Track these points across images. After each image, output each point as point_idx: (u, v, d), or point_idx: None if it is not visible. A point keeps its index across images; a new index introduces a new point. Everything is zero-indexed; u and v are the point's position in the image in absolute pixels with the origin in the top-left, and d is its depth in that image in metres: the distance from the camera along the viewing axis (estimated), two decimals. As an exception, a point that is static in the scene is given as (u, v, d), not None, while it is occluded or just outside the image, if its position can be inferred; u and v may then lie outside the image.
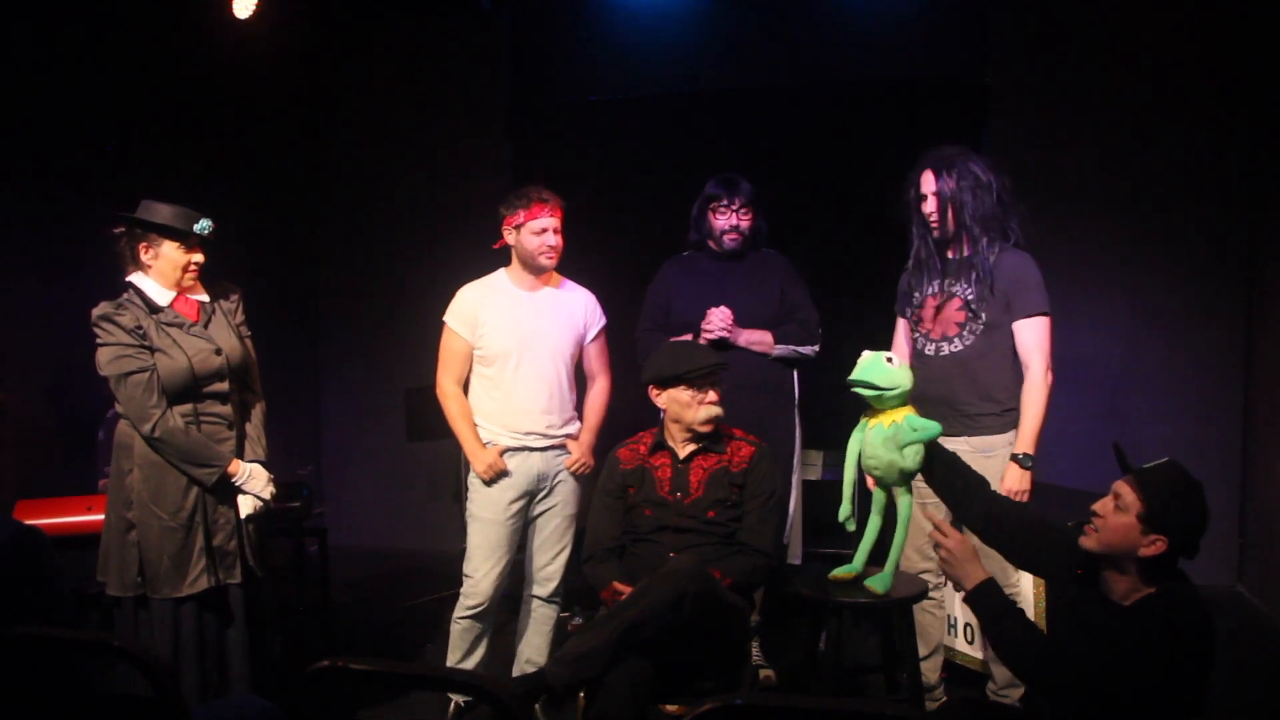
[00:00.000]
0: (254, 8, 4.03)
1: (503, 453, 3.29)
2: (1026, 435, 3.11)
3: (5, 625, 1.92)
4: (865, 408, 2.71)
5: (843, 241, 5.12)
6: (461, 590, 3.35)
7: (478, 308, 3.31)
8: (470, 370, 3.36)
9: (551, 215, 3.25)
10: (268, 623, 3.07)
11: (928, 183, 3.19)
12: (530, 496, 3.35)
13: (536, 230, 3.24)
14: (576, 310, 3.41)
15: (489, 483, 3.30)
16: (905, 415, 2.62)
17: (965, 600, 2.28)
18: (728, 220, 3.63)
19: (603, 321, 3.47)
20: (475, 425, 3.33)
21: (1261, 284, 4.57)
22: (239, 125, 5.08)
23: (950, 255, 3.24)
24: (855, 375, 2.63)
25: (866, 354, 2.67)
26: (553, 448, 3.35)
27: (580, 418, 3.46)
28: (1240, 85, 4.61)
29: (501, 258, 3.42)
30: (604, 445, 3.35)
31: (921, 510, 3.14)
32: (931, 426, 2.61)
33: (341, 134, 5.75)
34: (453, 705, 3.41)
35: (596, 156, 5.44)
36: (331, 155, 5.78)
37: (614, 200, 5.40)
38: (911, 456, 2.61)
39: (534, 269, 3.31)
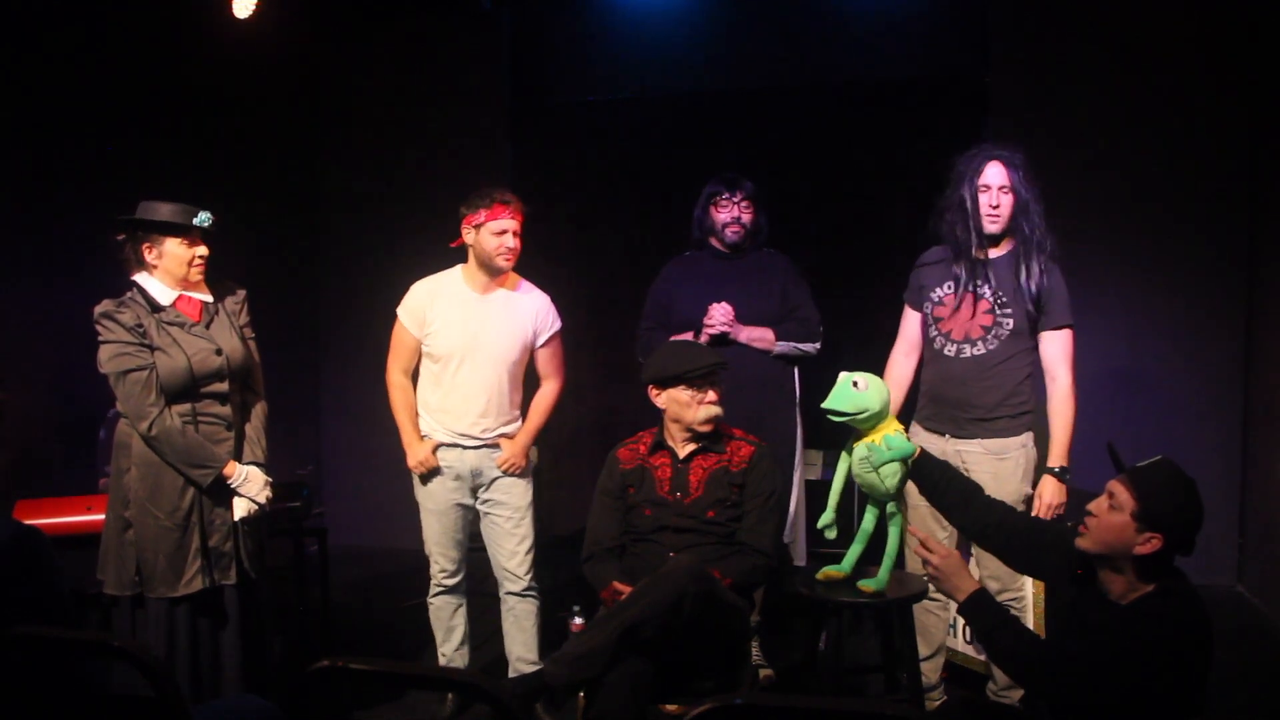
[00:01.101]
0: (254, 8, 4.02)
1: (436, 448, 3.35)
2: (1060, 447, 3.08)
3: (5, 625, 1.92)
4: None
5: (843, 241, 5.12)
6: (429, 571, 3.47)
7: (426, 305, 3.34)
8: (420, 360, 3.42)
9: (512, 218, 3.25)
10: (265, 624, 3.06)
11: (998, 175, 3.08)
12: (469, 490, 3.39)
13: (496, 231, 3.24)
14: (526, 316, 3.38)
15: (423, 477, 3.38)
16: (884, 435, 2.64)
17: (959, 612, 2.28)
18: (730, 213, 3.64)
19: (556, 326, 3.44)
20: (416, 417, 3.39)
21: (1261, 284, 4.57)
22: (239, 125, 5.07)
23: (980, 256, 3.16)
24: (826, 403, 2.66)
25: (841, 376, 2.68)
26: (486, 446, 3.36)
27: (524, 418, 3.45)
28: (1240, 85, 4.61)
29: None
30: (600, 446, 3.36)
31: (930, 513, 3.15)
32: (905, 446, 2.62)
33: (341, 134, 5.75)
34: (449, 700, 3.45)
35: (596, 156, 5.44)
36: (331, 155, 5.78)
37: (614, 200, 5.40)
38: (889, 477, 2.62)
39: (490, 270, 3.31)
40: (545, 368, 3.47)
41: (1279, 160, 4.39)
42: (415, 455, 3.37)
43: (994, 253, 3.17)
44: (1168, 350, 4.80)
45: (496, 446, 3.37)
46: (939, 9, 4.97)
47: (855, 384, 2.64)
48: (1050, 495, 3.06)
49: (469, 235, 3.29)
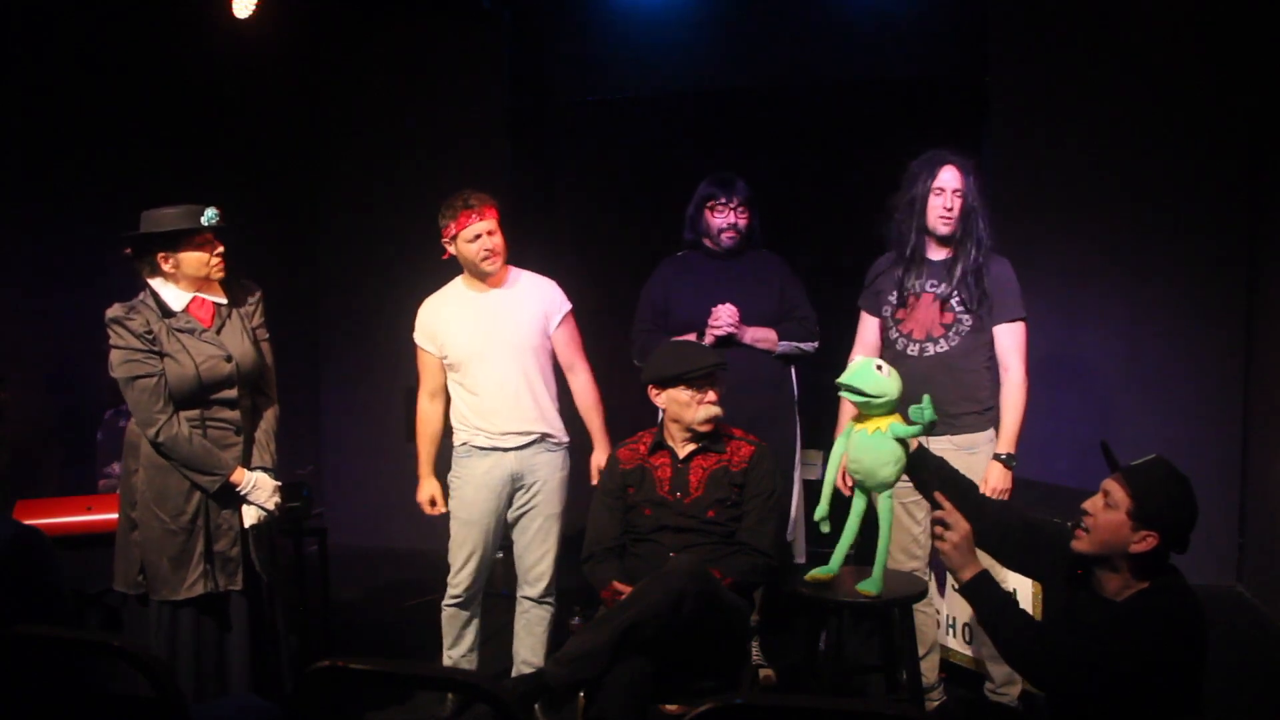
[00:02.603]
0: (254, 8, 4.02)
1: (436, 497, 3.43)
2: (1009, 435, 3.15)
3: (5, 625, 1.92)
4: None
5: (843, 241, 5.11)
6: (447, 579, 3.43)
7: (435, 319, 3.36)
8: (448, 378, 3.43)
9: (481, 219, 3.23)
10: (277, 627, 3.05)
11: (952, 179, 3.15)
12: (505, 497, 3.37)
13: (470, 238, 3.23)
14: (533, 302, 3.38)
15: (460, 486, 3.37)
16: (890, 423, 2.64)
17: (960, 591, 2.28)
18: (725, 219, 3.63)
19: (566, 307, 3.43)
20: (434, 447, 3.45)
21: (1261, 284, 4.57)
22: (239, 126, 5.07)
23: (934, 256, 3.24)
24: (844, 379, 2.65)
25: (858, 358, 2.69)
26: (528, 445, 3.34)
27: (558, 411, 3.44)
28: (1240, 85, 4.60)
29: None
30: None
31: (904, 510, 3.16)
32: (911, 429, 2.61)
33: (341, 134, 5.75)
34: (450, 700, 3.46)
35: (596, 156, 5.45)
36: (331, 155, 5.77)
37: (614, 200, 5.40)
38: (887, 466, 2.62)
39: (480, 274, 3.31)
40: (567, 353, 3.43)
41: (1279, 160, 4.39)
42: (424, 492, 3.44)
43: (944, 253, 3.23)
44: (1168, 351, 4.80)
45: (540, 442, 3.35)
46: (938, 9, 4.97)
47: (879, 367, 2.65)
48: (996, 480, 3.12)
49: (451, 248, 3.31)
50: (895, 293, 3.27)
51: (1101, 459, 2.23)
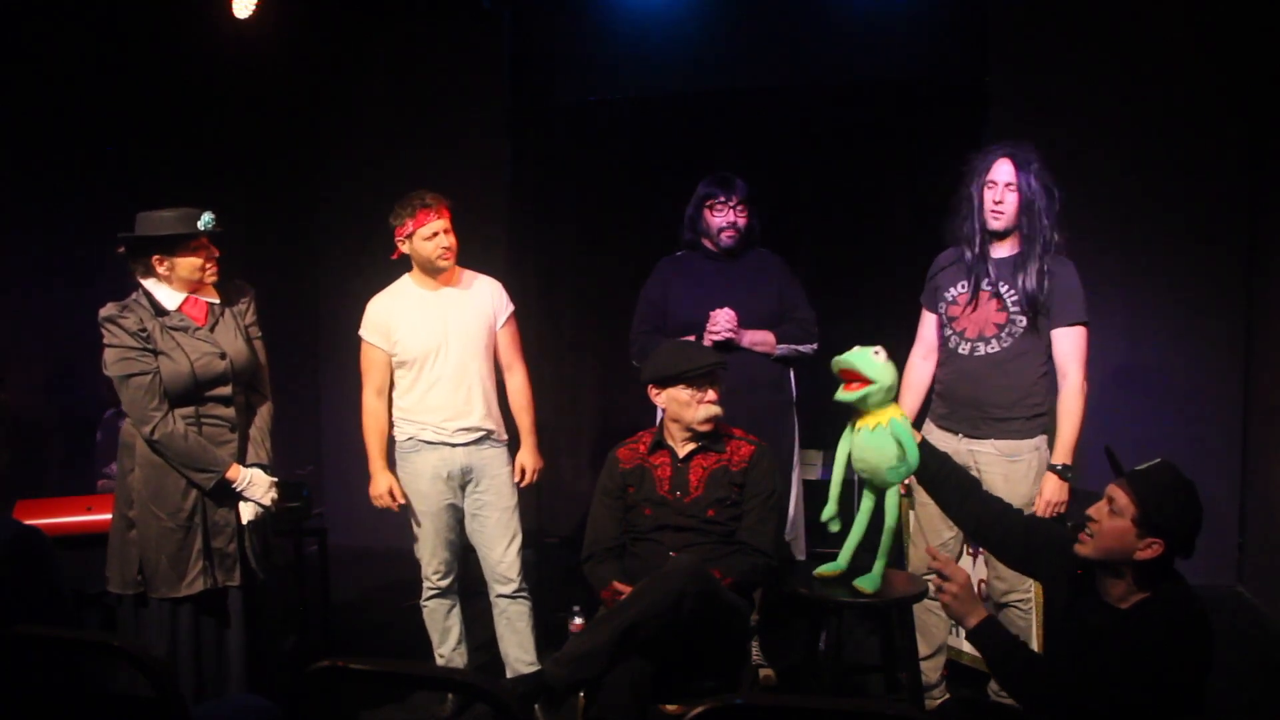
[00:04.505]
0: (254, 8, 4.02)
1: (398, 490, 3.39)
2: (1066, 445, 3.05)
3: (5, 625, 1.92)
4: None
5: (843, 242, 5.12)
6: (422, 576, 3.47)
7: (388, 316, 3.38)
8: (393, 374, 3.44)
9: (438, 217, 3.28)
10: (272, 624, 3.06)
11: (1005, 172, 3.08)
12: (459, 488, 3.39)
13: (427, 235, 3.28)
14: (484, 300, 3.43)
15: (411, 481, 3.37)
16: (890, 417, 2.62)
17: (969, 639, 2.26)
18: (725, 218, 3.63)
19: (510, 307, 3.49)
20: (384, 443, 3.43)
21: (1261, 284, 4.57)
22: (238, 126, 5.07)
23: (995, 254, 3.15)
24: (841, 357, 2.62)
25: (856, 347, 2.67)
26: (475, 442, 3.37)
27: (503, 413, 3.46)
28: (1240, 85, 4.61)
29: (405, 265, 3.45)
30: (600, 446, 3.35)
31: (924, 510, 3.14)
32: (912, 451, 2.59)
33: (341, 134, 5.75)
34: (450, 700, 3.46)
35: (596, 156, 5.44)
36: (331, 155, 5.77)
37: (614, 200, 5.40)
38: (890, 463, 2.61)
39: (433, 272, 3.34)
40: (507, 353, 3.48)
41: (1279, 160, 4.39)
42: (378, 486, 3.42)
43: (1003, 251, 3.16)
44: (1168, 350, 4.80)
45: (488, 438, 3.38)
46: (939, 10, 4.96)
47: (876, 353, 2.62)
48: (1051, 493, 3.05)
49: (404, 246, 3.34)
50: (952, 289, 3.20)
51: (1103, 459, 2.22)
